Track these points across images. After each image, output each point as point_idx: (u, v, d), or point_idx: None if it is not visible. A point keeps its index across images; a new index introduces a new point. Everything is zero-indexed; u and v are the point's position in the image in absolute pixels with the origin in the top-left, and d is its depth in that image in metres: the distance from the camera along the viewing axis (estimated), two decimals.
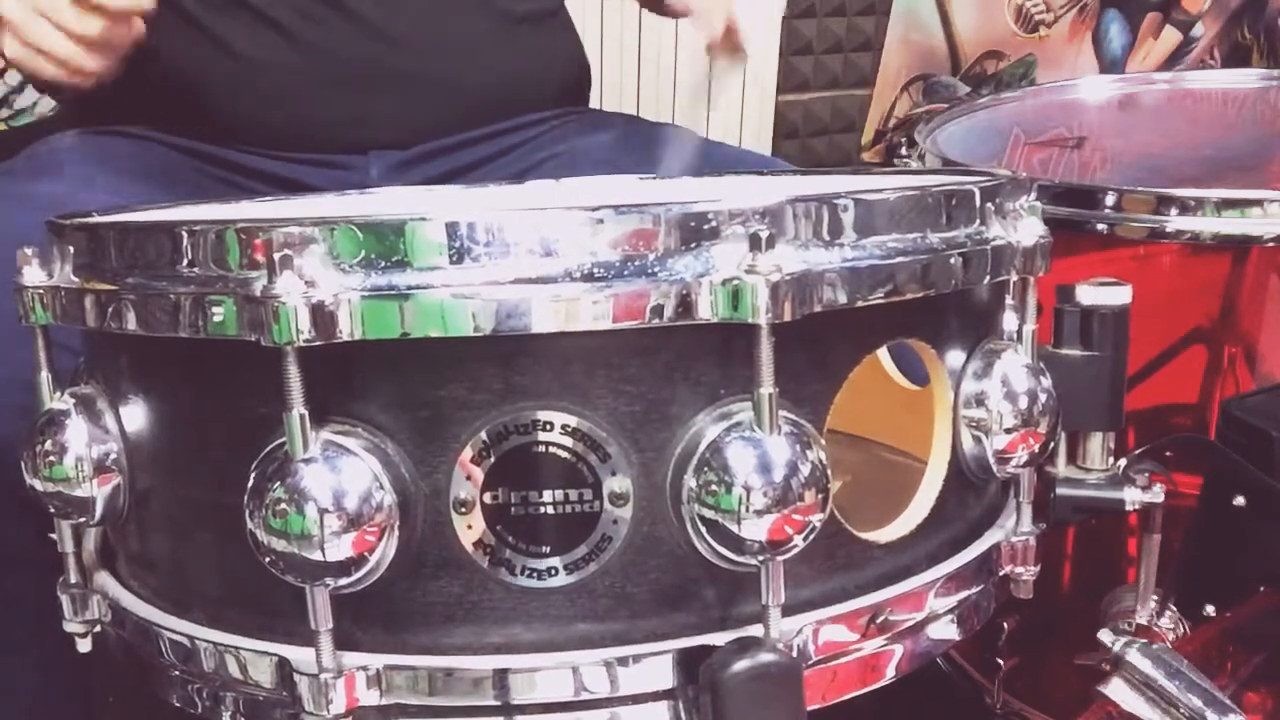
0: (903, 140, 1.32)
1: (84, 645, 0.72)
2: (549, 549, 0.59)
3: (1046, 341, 0.74)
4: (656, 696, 0.59)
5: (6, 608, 0.95)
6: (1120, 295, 0.74)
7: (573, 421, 0.58)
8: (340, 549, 0.55)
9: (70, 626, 0.71)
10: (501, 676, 0.58)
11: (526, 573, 0.59)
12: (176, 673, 0.65)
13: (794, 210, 0.58)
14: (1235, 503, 0.89)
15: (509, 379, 0.57)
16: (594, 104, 1.37)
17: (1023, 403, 0.67)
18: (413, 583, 0.59)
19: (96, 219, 0.69)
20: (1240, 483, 0.89)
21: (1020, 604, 0.74)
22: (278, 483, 0.55)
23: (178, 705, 0.66)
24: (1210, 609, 0.91)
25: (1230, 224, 1.04)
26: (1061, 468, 0.78)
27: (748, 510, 0.55)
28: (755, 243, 0.55)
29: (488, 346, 0.57)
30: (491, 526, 0.58)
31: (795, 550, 0.57)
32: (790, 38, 2.23)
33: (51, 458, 0.65)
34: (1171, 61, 2.43)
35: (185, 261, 0.59)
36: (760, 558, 0.56)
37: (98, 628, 0.71)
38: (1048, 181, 1.13)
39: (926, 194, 0.64)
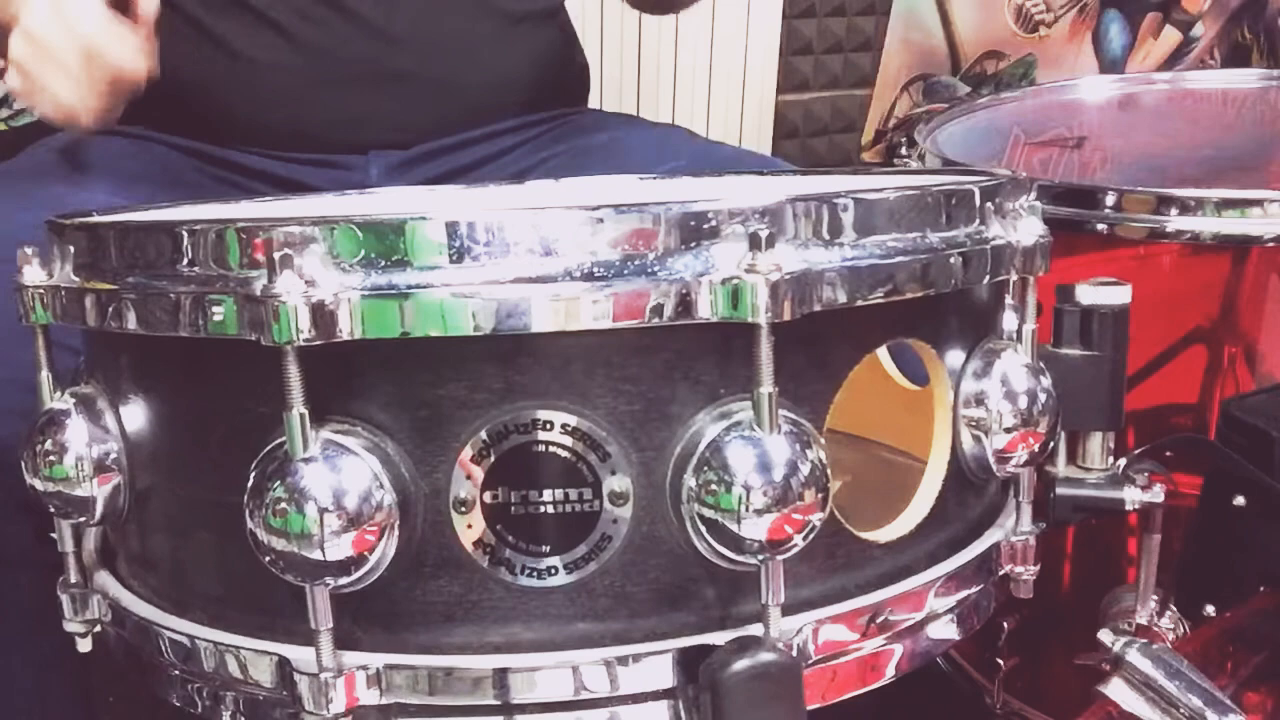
0: (903, 140, 1.32)
1: (84, 645, 0.72)
2: (549, 548, 0.59)
3: (1046, 341, 0.74)
4: (656, 696, 0.59)
5: (6, 608, 0.95)
6: (1120, 295, 0.74)
7: (572, 421, 0.58)
8: (340, 548, 0.55)
9: (70, 626, 0.71)
10: (501, 676, 0.59)
11: (526, 572, 0.59)
12: (176, 672, 0.65)
13: (794, 210, 0.58)
14: (1235, 503, 0.89)
15: (509, 378, 0.57)
16: (594, 104, 1.37)
17: (1022, 402, 0.67)
18: (413, 582, 0.59)
19: (96, 219, 0.69)
20: (1240, 483, 0.89)
21: (1020, 604, 0.74)
22: (278, 482, 0.55)
23: (178, 705, 0.66)
24: (1210, 609, 0.91)
25: (1230, 224, 1.04)
26: (1061, 467, 0.78)
27: (747, 510, 0.55)
28: (755, 242, 0.55)
29: (487, 346, 0.57)
30: (491, 526, 0.58)
31: (795, 550, 0.57)
32: (790, 38, 2.23)
33: (51, 457, 0.65)
34: (1171, 61, 2.43)
35: (185, 261, 0.59)
36: (760, 557, 0.56)
37: (98, 627, 0.71)
38: (1048, 181, 1.13)
39: (926, 194, 0.64)
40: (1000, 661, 1.11)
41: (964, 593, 0.69)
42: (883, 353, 0.86)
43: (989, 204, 0.67)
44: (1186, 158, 1.31)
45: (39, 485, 0.65)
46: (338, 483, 0.55)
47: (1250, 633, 0.88)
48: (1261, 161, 1.30)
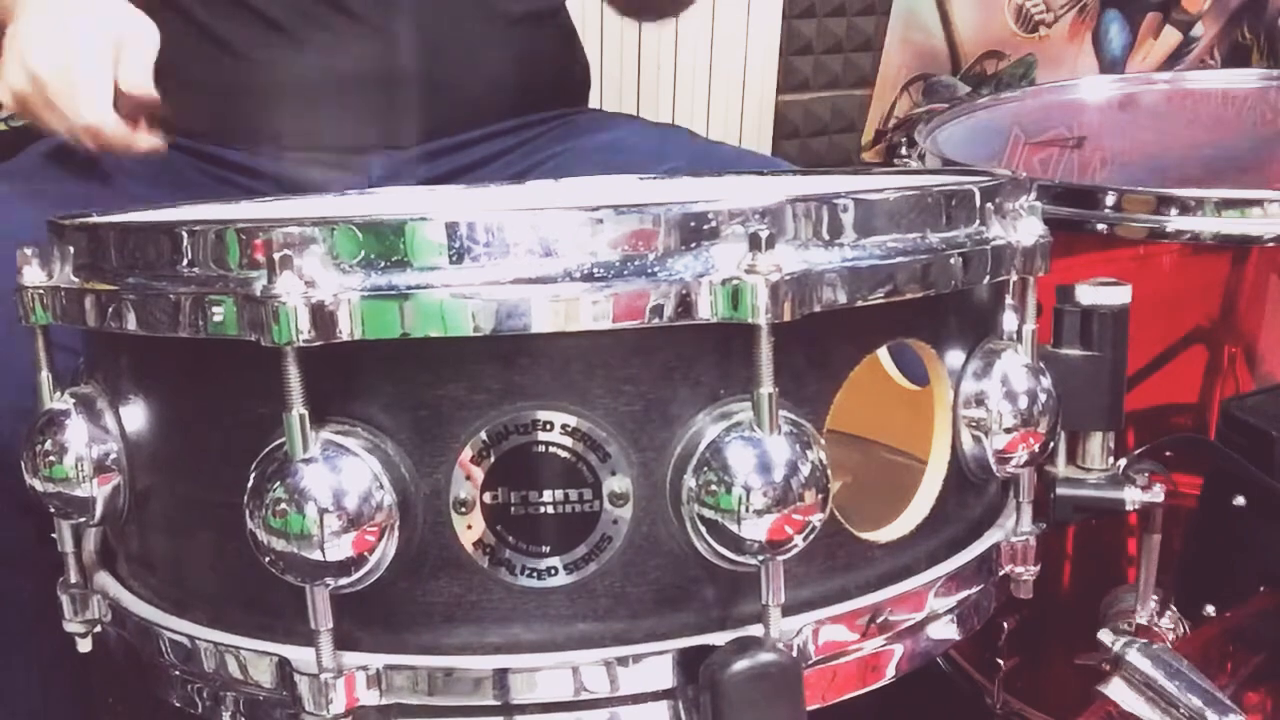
0: (903, 140, 1.32)
1: (84, 645, 0.72)
2: (549, 549, 0.59)
3: (1046, 341, 0.74)
4: (656, 696, 0.59)
5: (6, 608, 0.95)
6: (1120, 295, 0.74)
7: (572, 421, 0.58)
8: (340, 549, 0.55)
9: (70, 626, 0.71)
10: (501, 676, 0.59)
11: (526, 573, 0.59)
12: (176, 673, 0.65)
13: (794, 210, 0.58)
14: (1235, 503, 0.89)
15: (509, 379, 0.57)
16: (594, 104, 1.37)
17: (1022, 402, 0.67)
18: (413, 583, 0.59)
19: (96, 219, 0.69)
20: (1240, 483, 0.89)
21: (1020, 604, 0.74)
22: (278, 483, 0.55)
23: (178, 705, 0.66)
24: (1210, 609, 0.92)
25: (1230, 224, 1.04)
26: (1061, 468, 0.78)
27: (747, 510, 0.55)
28: (755, 242, 0.55)
29: (487, 346, 0.57)
30: (491, 526, 0.58)
31: (795, 550, 0.57)
32: (790, 38, 2.23)
33: (51, 458, 0.65)
34: (1171, 61, 2.43)
35: (185, 261, 0.59)
36: (760, 558, 0.56)
37: (98, 628, 0.71)
38: (1048, 181, 1.14)
39: (926, 194, 0.64)
40: (1000, 661, 1.11)
41: (964, 593, 0.69)
42: (883, 353, 0.86)
43: (989, 204, 0.67)
44: (1186, 158, 1.31)
45: (39, 485, 0.65)
46: (338, 483, 0.55)
47: (1250, 633, 0.88)
48: (1261, 161, 1.30)
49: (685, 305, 0.56)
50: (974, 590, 0.70)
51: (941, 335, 0.67)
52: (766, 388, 0.55)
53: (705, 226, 0.56)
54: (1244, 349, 1.16)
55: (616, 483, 0.58)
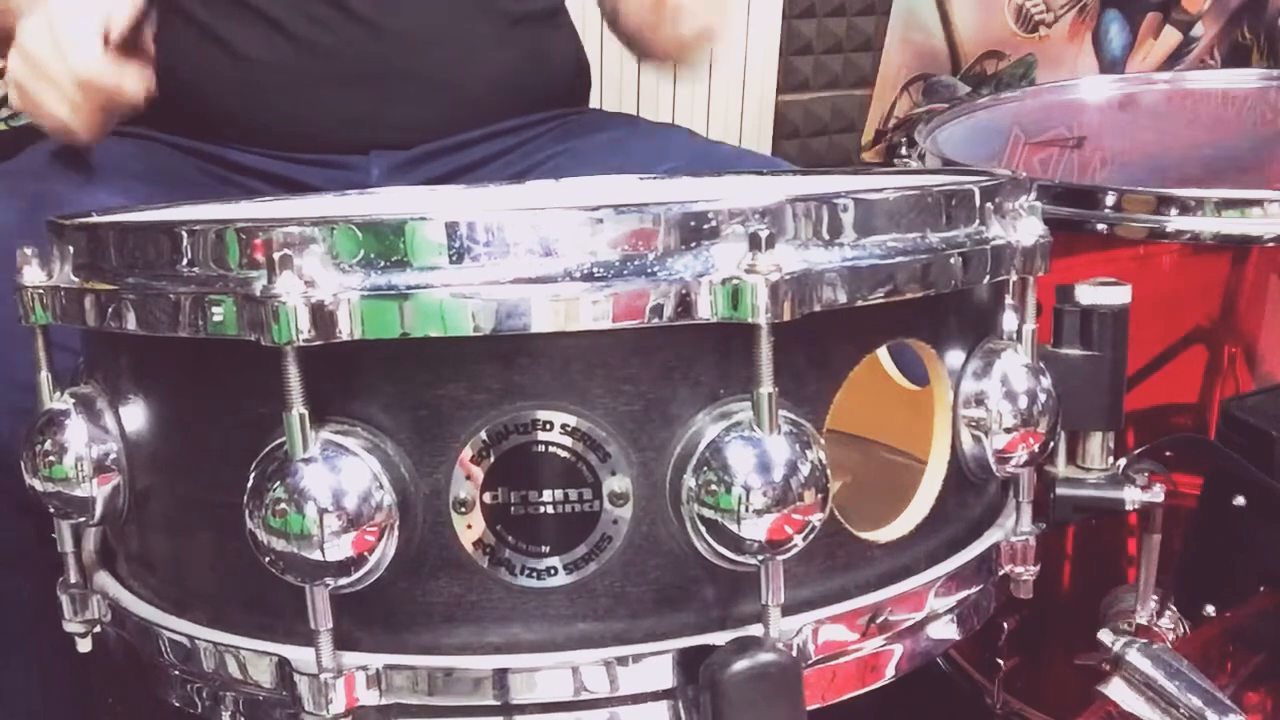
0: (903, 140, 1.32)
1: (84, 645, 0.72)
2: (549, 549, 0.59)
3: (1046, 341, 0.74)
4: (656, 696, 0.59)
5: (6, 608, 0.95)
6: (1120, 295, 0.74)
7: (572, 421, 0.58)
8: (340, 549, 0.55)
9: (70, 626, 0.71)
10: (501, 676, 0.58)
11: (526, 572, 0.59)
12: (176, 673, 0.65)
13: (794, 210, 0.58)
14: (1235, 503, 0.89)
15: (508, 379, 0.57)
16: (594, 104, 1.37)
17: (1022, 402, 0.67)
18: (412, 582, 0.59)
19: (96, 219, 0.69)
20: (1240, 483, 0.89)
21: (1020, 604, 0.74)
22: (277, 482, 0.55)
23: (177, 705, 0.66)
24: (1210, 609, 0.92)
25: (1230, 224, 1.04)
26: (1061, 468, 0.78)
27: (747, 510, 0.55)
28: (755, 242, 0.55)
29: (487, 346, 0.57)
30: (491, 526, 0.58)
31: (795, 550, 0.57)
32: (790, 38, 2.23)
33: (51, 458, 0.65)
34: (1171, 61, 2.43)
35: (185, 261, 0.59)
36: (760, 557, 0.56)
37: (98, 628, 0.71)
38: (1048, 181, 1.14)
39: (926, 194, 0.64)
40: (1000, 661, 1.11)
41: (964, 593, 0.69)
42: (883, 353, 0.86)
43: (989, 204, 0.67)
44: (1186, 158, 1.31)
45: (39, 485, 0.65)
46: (337, 483, 0.55)
47: (1250, 633, 0.88)
48: (1261, 161, 1.30)
49: (685, 305, 0.56)
50: (974, 590, 0.70)
51: (941, 335, 0.67)
52: (766, 387, 0.55)
53: (705, 226, 0.56)
54: (1244, 349, 1.16)
55: (616, 482, 0.58)
